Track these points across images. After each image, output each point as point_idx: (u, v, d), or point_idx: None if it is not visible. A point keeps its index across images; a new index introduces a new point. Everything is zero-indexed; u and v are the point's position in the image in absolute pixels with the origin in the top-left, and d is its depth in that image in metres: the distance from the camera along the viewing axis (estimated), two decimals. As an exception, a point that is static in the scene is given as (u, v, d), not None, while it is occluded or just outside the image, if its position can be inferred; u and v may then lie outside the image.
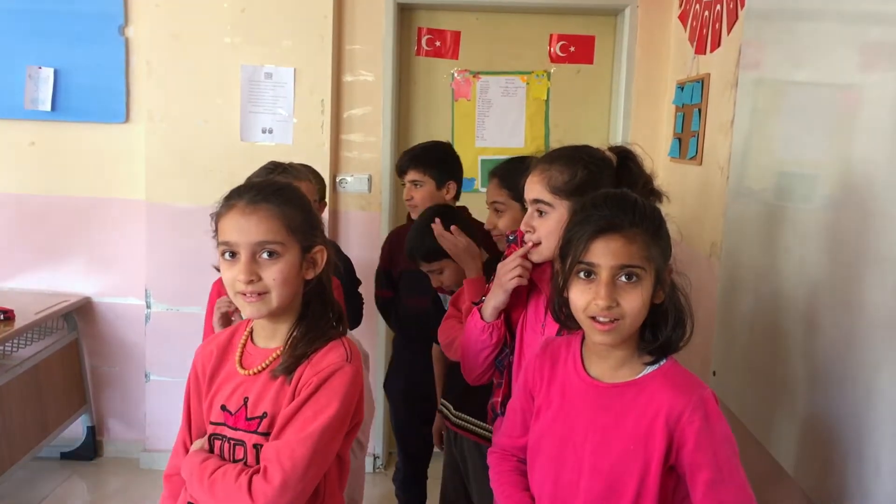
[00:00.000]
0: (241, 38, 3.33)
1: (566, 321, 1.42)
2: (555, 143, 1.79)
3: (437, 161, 2.69)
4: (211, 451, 1.46)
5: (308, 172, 2.54)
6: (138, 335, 3.49)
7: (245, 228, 1.38)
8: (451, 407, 2.20)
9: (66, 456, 3.60)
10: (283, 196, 1.44)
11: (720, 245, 2.44)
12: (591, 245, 1.30)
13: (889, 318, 1.44)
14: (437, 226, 2.11)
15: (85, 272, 3.57)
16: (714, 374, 2.38)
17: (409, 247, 2.32)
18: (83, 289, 3.57)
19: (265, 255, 1.38)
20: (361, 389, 1.46)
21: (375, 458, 3.62)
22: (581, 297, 1.32)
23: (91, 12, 3.39)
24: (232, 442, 1.43)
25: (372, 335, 3.24)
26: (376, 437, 3.58)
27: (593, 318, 1.31)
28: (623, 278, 1.30)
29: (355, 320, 2.73)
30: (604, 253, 1.30)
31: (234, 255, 1.39)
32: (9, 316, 3.04)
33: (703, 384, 1.35)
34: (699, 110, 2.76)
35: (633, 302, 1.29)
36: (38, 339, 3.34)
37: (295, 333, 1.44)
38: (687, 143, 2.91)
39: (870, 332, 1.50)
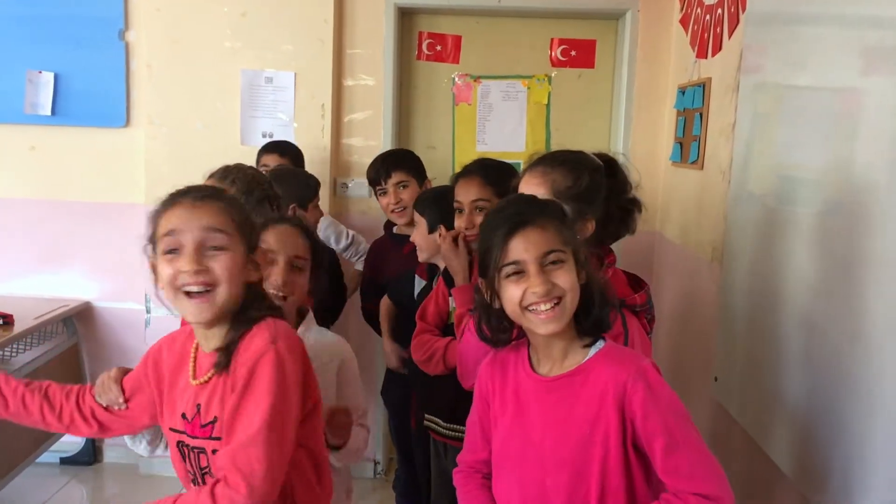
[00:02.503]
0: (242, 42, 3.33)
1: (498, 335, 1.43)
2: (556, 148, 1.80)
3: (416, 161, 2.78)
4: (183, 458, 1.46)
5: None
6: (138, 340, 3.47)
7: (192, 217, 1.34)
8: (439, 421, 2.20)
9: (65, 461, 3.59)
10: (226, 197, 1.44)
11: (721, 249, 2.43)
12: (509, 244, 1.33)
13: (890, 322, 1.43)
14: (441, 228, 2.13)
15: (85, 277, 3.57)
16: (716, 379, 2.37)
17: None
18: (83, 293, 3.57)
19: (211, 249, 1.34)
20: (300, 369, 1.38)
21: (376, 463, 3.60)
22: (515, 291, 1.33)
23: (91, 17, 3.39)
24: (196, 451, 1.42)
25: (371, 344, 3.23)
26: (376, 443, 3.57)
27: (532, 311, 1.32)
28: (550, 264, 1.33)
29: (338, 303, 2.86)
30: (525, 247, 1.33)
31: (174, 250, 1.34)
32: (8, 321, 3.03)
33: (642, 356, 1.37)
34: (700, 114, 2.75)
35: (567, 278, 1.33)
36: (37, 344, 3.33)
37: (229, 328, 1.40)
38: (688, 147, 2.90)
39: (870, 336, 1.50)
